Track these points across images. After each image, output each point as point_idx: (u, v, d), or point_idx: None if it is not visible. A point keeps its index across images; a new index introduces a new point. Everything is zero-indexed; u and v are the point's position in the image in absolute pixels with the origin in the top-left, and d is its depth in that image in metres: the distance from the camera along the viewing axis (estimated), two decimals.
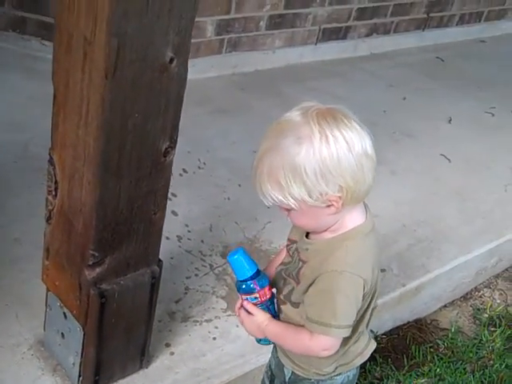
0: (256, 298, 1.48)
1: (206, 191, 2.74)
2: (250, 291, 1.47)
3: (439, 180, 3.26)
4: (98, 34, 1.33)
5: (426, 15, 4.94)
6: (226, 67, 3.73)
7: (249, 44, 3.83)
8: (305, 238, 1.47)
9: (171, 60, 1.43)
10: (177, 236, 2.44)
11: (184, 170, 2.80)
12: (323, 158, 1.28)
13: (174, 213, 2.52)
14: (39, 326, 1.93)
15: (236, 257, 1.44)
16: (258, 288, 1.47)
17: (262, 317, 1.51)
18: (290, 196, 1.31)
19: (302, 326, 1.47)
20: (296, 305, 1.49)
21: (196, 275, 2.31)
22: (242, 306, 1.52)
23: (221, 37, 3.67)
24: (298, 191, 1.30)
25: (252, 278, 1.46)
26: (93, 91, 1.40)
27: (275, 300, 1.54)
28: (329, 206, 1.34)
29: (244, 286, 1.47)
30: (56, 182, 1.62)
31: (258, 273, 1.48)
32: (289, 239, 1.56)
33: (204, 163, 2.90)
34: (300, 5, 3.97)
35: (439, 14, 5.06)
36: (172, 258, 2.32)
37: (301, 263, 1.46)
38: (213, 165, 2.93)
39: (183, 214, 2.56)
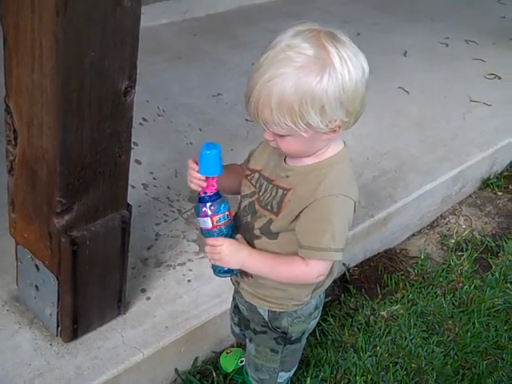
0: (227, 216, 1.48)
1: (167, 138, 2.71)
2: (222, 209, 1.46)
3: (399, 112, 3.28)
4: None
5: None
6: (177, 13, 3.65)
7: None
8: (284, 164, 1.46)
9: None
10: (142, 184, 2.41)
11: (144, 119, 2.75)
12: (345, 83, 1.28)
13: (138, 161, 2.48)
14: (11, 281, 1.91)
15: (215, 152, 1.42)
16: (228, 206, 1.48)
17: (242, 246, 1.50)
18: (303, 123, 1.29)
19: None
20: (275, 236, 1.49)
21: (165, 221, 2.29)
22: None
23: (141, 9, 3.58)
24: (314, 118, 1.29)
25: (218, 195, 1.46)
26: (44, 31, 1.35)
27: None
28: (332, 132, 1.34)
29: (219, 202, 1.46)
30: (15, 131, 1.57)
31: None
32: (248, 169, 1.55)
33: (163, 110, 2.85)
34: None
35: None
36: (140, 206, 2.29)
37: (282, 191, 1.45)
38: (172, 111, 2.89)
39: (147, 162, 2.52)
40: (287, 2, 4.17)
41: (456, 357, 2.26)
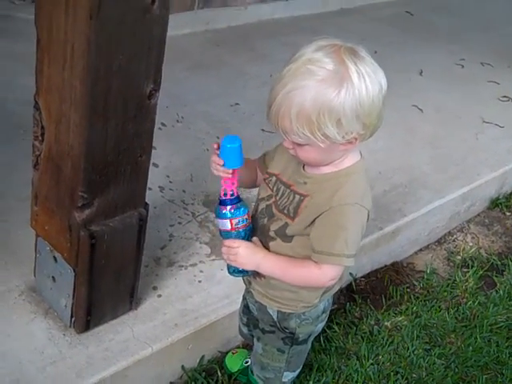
0: (246, 219, 1.54)
1: (185, 144, 2.79)
2: (242, 213, 1.53)
3: (412, 130, 3.34)
4: None
5: None
6: (199, 24, 3.74)
7: (221, 0, 3.84)
8: (302, 171, 1.53)
9: (153, 1, 1.46)
10: (159, 187, 2.49)
11: (163, 124, 2.83)
12: (361, 98, 1.34)
13: (155, 165, 2.55)
14: (29, 273, 1.98)
15: (236, 145, 1.49)
16: (248, 210, 1.55)
17: (258, 249, 1.57)
18: (320, 133, 1.36)
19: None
20: (289, 239, 1.55)
21: (179, 223, 2.36)
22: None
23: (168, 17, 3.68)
24: (331, 129, 1.35)
25: (238, 199, 1.53)
26: (77, 33, 1.43)
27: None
28: (348, 143, 1.40)
29: (239, 206, 1.53)
30: (42, 127, 1.65)
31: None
32: (267, 173, 1.62)
33: (182, 117, 2.93)
34: None
35: None
36: (155, 208, 2.36)
37: (299, 197, 1.52)
38: (191, 118, 2.97)
39: (164, 165, 2.60)
40: (306, 18, 4.26)
41: (457, 369, 2.31)
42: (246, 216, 1.56)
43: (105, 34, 1.42)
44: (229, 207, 1.54)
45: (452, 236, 3.07)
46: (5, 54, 3.06)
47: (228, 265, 1.61)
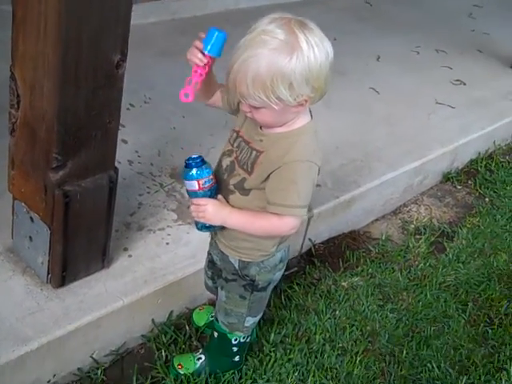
0: (211, 179, 1.71)
1: (152, 122, 2.95)
2: (206, 174, 1.69)
3: (369, 110, 3.54)
4: None
5: None
6: (166, 13, 3.91)
7: None
8: (259, 129, 1.70)
9: None
10: (128, 160, 2.65)
11: (131, 105, 3.00)
12: (310, 64, 1.51)
13: (124, 141, 2.71)
14: (6, 237, 2.12)
15: (223, 34, 1.63)
16: (212, 171, 1.71)
17: (224, 206, 1.73)
18: (274, 97, 1.53)
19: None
20: (247, 192, 1.72)
21: (148, 193, 2.53)
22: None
23: None
24: (284, 93, 1.52)
25: (203, 161, 1.70)
26: (50, 7, 1.58)
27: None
28: (299, 105, 1.58)
29: (204, 168, 1.69)
30: (18, 96, 1.80)
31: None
32: (233, 130, 1.79)
33: (150, 98, 3.10)
34: None
35: None
36: (125, 179, 2.51)
37: (255, 153, 1.69)
38: (158, 100, 3.14)
39: (132, 141, 2.76)
40: (268, 8, 4.37)
41: (407, 322, 2.51)
42: (211, 176, 1.72)
43: (74, 7, 1.58)
44: (194, 169, 1.69)
45: (406, 207, 3.28)
46: None
47: (196, 222, 1.77)
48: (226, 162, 1.79)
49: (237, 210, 1.74)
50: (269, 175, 1.67)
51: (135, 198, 2.48)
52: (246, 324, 1.99)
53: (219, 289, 1.98)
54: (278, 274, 1.95)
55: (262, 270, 1.87)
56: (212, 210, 1.72)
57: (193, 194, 1.73)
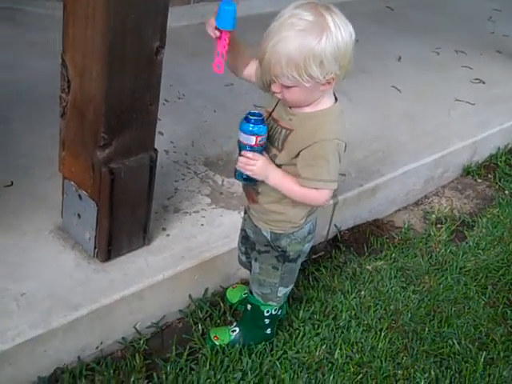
0: (265, 137, 1.81)
1: (186, 116, 3.12)
2: (264, 132, 1.79)
3: (391, 106, 3.68)
4: None
5: None
6: (195, 16, 4.07)
7: None
8: (288, 109, 1.83)
9: None
10: (164, 150, 2.81)
11: (166, 100, 3.16)
12: (338, 43, 1.66)
13: (161, 133, 2.86)
14: (56, 216, 2.29)
15: (231, 8, 1.76)
16: (267, 129, 1.81)
17: (270, 165, 1.84)
18: (306, 75, 1.67)
19: None
20: (278, 167, 1.86)
21: (183, 179, 2.69)
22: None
23: None
24: (315, 70, 1.66)
25: (263, 120, 1.79)
26: None
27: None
28: (328, 83, 1.72)
29: (263, 125, 1.78)
30: (68, 81, 1.98)
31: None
32: (265, 110, 1.93)
33: (183, 94, 3.26)
34: None
35: None
36: (162, 167, 2.66)
37: (285, 131, 1.83)
38: (191, 96, 3.31)
39: (168, 133, 2.92)
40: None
41: (429, 302, 2.63)
42: (266, 135, 1.82)
43: None
44: (257, 125, 1.78)
45: (428, 199, 3.40)
46: (19, 42, 3.41)
47: (238, 172, 1.87)
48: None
49: (280, 171, 1.86)
50: (299, 152, 1.81)
51: (172, 183, 2.64)
52: (279, 294, 2.13)
53: (253, 261, 2.13)
54: (308, 246, 2.09)
55: (292, 241, 2.01)
56: (261, 166, 1.83)
57: (247, 148, 1.82)
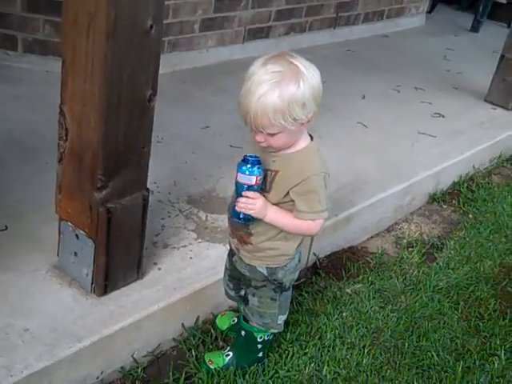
0: (263, 178, 1.96)
1: (166, 158, 3.29)
2: (262, 172, 1.94)
3: (358, 141, 3.91)
4: (100, 8, 1.88)
5: (335, 15, 5.66)
6: (168, 65, 4.28)
7: (186, 44, 4.43)
8: (271, 152, 1.99)
9: (151, 26, 1.99)
10: None
11: None
12: (313, 84, 1.85)
13: None
14: (52, 256, 2.43)
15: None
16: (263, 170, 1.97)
17: (268, 203, 1.99)
18: (291, 119, 1.83)
19: None
20: None
21: (169, 217, 2.85)
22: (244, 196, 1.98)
23: (162, 39, 4.25)
24: (299, 113, 1.83)
25: (259, 161, 1.94)
26: (97, 51, 1.94)
27: None
28: (305, 124, 1.89)
29: (262, 167, 1.92)
30: (66, 129, 2.14)
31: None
32: None
33: (162, 138, 3.44)
34: (227, 8, 4.60)
35: (347, 13, 5.79)
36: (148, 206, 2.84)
37: (271, 173, 1.99)
38: (169, 139, 3.48)
39: (151, 175, 2.98)
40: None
41: (407, 319, 2.81)
42: (263, 175, 1.96)
43: (117, 51, 1.93)
44: (256, 166, 1.91)
45: (398, 225, 3.61)
46: (6, 95, 3.58)
47: (235, 212, 2.00)
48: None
49: (277, 208, 2.01)
50: (288, 191, 1.98)
51: (158, 221, 2.80)
52: (279, 322, 2.29)
53: (250, 296, 2.26)
54: (297, 273, 2.26)
55: (286, 272, 2.18)
56: (261, 204, 1.97)
57: (248, 188, 1.94)
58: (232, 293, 2.41)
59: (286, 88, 1.81)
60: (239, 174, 1.95)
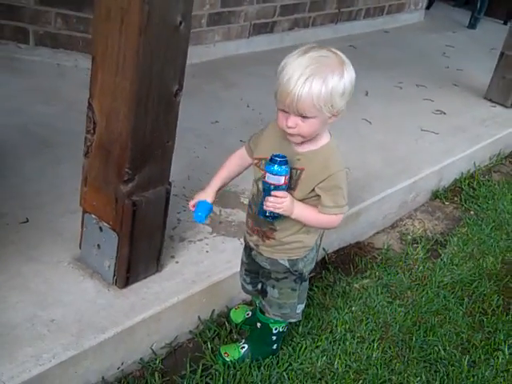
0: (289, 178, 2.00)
1: (179, 153, 3.26)
2: (289, 172, 1.98)
3: (364, 137, 3.97)
4: (134, 4, 1.91)
5: (337, 10, 5.71)
6: None
7: (194, 39, 4.44)
8: (295, 150, 2.03)
9: (180, 23, 2.03)
10: None
11: None
12: (351, 79, 1.93)
13: None
14: (73, 248, 2.47)
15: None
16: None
17: (295, 200, 2.03)
18: (330, 105, 1.88)
19: None
20: None
21: (184, 210, 2.89)
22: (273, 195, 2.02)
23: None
24: (338, 101, 1.90)
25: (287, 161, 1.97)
26: (129, 46, 1.97)
27: None
28: (333, 117, 1.95)
29: (289, 166, 1.96)
30: (94, 123, 2.18)
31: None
32: (256, 158, 2.14)
33: None
34: (233, 3, 4.64)
35: (348, 8, 5.84)
36: None
37: (296, 171, 2.03)
38: (180, 133, 3.48)
39: None
40: (266, 53, 4.92)
41: (414, 314, 2.88)
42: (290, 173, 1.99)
43: (149, 46, 1.97)
44: (285, 166, 1.94)
45: (402, 221, 3.68)
46: (19, 88, 3.60)
47: (263, 211, 2.04)
48: (259, 185, 2.11)
49: (304, 205, 2.06)
50: (313, 188, 2.03)
51: (174, 215, 2.84)
52: (298, 311, 2.35)
53: (269, 288, 2.30)
54: (314, 263, 2.33)
55: (306, 262, 2.25)
56: (289, 202, 2.01)
57: (276, 188, 1.97)
58: (249, 287, 2.47)
59: (332, 75, 1.86)
60: (268, 174, 1.98)
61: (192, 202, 2.24)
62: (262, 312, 2.40)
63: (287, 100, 1.88)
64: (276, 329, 2.40)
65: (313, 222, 2.12)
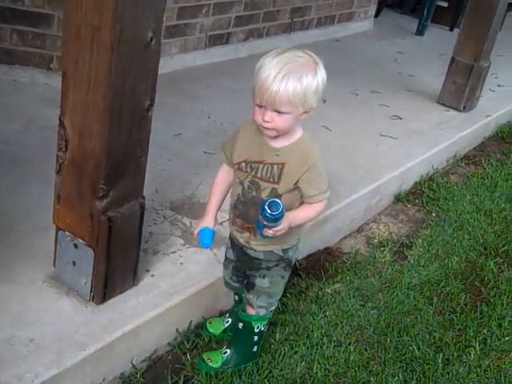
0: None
1: None
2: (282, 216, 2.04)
3: (325, 144, 3.96)
4: (105, 22, 1.92)
5: (290, 20, 5.79)
6: None
7: None
8: (271, 147, 2.13)
9: (151, 39, 2.05)
10: None
11: None
12: (323, 78, 2.05)
13: None
14: (47, 266, 2.44)
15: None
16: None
17: (287, 216, 2.08)
18: (306, 103, 2.00)
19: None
20: (279, 197, 2.14)
21: (155, 224, 2.89)
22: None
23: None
24: (313, 100, 2.02)
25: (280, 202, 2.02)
26: (101, 64, 1.97)
27: None
28: (305, 112, 2.06)
29: (282, 206, 2.01)
30: (66, 140, 2.17)
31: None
32: (237, 163, 2.20)
33: None
34: (189, 16, 4.66)
35: (301, 18, 5.92)
36: None
37: (277, 166, 2.12)
38: None
39: None
40: (223, 63, 4.96)
41: (386, 316, 2.93)
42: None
43: (121, 63, 1.98)
44: (281, 210, 2.01)
45: (368, 225, 3.75)
46: None
47: (264, 236, 2.11)
48: (245, 184, 2.19)
49: (292, 213, 2.14)
50: (298, 179, 2.13)
51: (145, 228, 2.80)
52: (277, 298, 2.43)
53: (259, 279, 2.33)
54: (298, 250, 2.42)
55: (294, 250, 2.35)
56: (287, 225, 2.11)
57: (276, 223, 2.06)
58: (236, 284, 2.49)
59: (306, 73, 1.99)
60: (266, 222, 2.04)
61: (196, 232, 2.32)
62: (244, 310, 2.42)
63: (265, 95, 1.97)
64: (258, 327, 2.43)
65: (305, 220, 2.25)
